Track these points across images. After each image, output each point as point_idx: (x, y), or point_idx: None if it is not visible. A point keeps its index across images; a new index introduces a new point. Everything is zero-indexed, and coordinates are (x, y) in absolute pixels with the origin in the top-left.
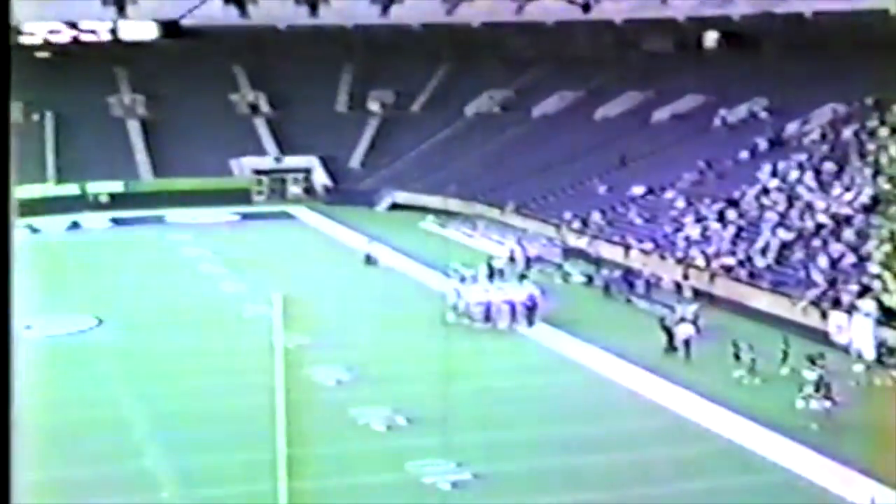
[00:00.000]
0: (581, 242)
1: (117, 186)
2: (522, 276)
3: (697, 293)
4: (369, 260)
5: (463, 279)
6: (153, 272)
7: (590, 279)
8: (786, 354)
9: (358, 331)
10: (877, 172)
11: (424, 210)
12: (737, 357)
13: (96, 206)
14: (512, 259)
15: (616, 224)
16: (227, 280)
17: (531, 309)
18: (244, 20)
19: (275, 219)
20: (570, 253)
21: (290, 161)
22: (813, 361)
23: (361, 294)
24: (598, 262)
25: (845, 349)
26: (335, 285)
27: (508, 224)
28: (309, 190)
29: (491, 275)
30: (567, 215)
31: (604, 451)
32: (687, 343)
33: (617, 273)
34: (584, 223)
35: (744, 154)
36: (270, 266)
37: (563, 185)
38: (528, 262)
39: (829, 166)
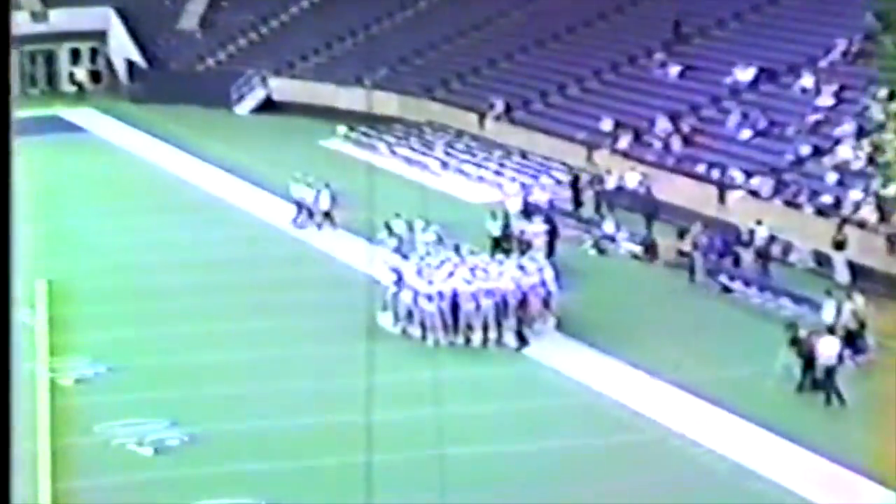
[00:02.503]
0: (632, 178)
1: None
2: (523, 248)
3: (859, 275)
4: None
5: (401, 249)
6: None
7: (649, 249)
8: None
9: (199, 351)
10: None
11: (329, 114)
12: None
13: None
14: (504, 213)
15: (700, 142)
16: None
17: (522, 306)
18: None
19: (38, 132)
20: (610, 199)
21: (63, 18)
22: None
23: (209, 279)
24: (663, 214)
25: None
26: (155, 263)
27: (494, 142)
28: (100, 75)
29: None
30: (605, 125)
31: None
32: (830, 373)
33: (703, 237)
34: (638, 139)
35: None
36: (27, 228)
37: (598, 65)
38: (528, 213)
39: None
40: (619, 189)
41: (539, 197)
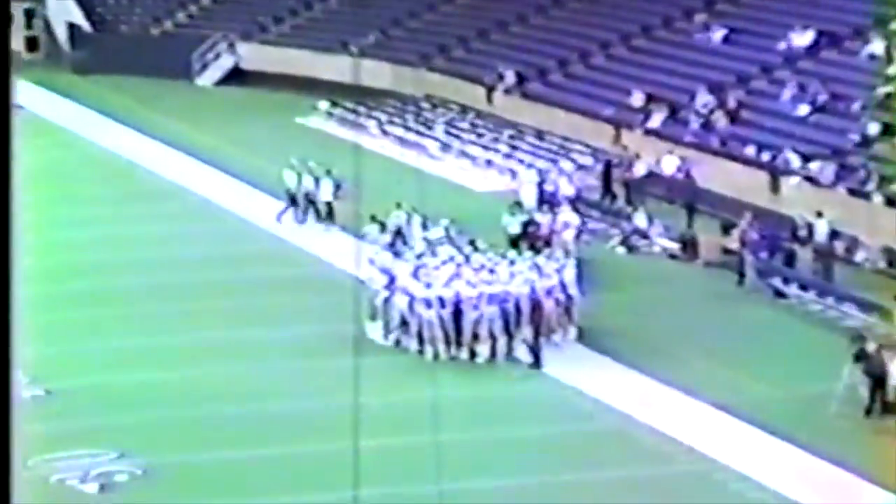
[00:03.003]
0: (669, 163)
1: None
2: (539, 245)
3: None
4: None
5: (396, 244)
6: None
7: (688, 246)
8: None
9: (153, 368)
10: None
11: (309, 87)
12: None
13: None
14: (518, 204)
15: (749, 119)
16: None
17: (537, 313)
18: None
19: None
20: (641, 187)
21: None
22: None
23: (168, 282)
24: (704, 205)
25: None
26: (103, 264)
27: (504, 120)
28: (37, 42)
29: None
30: (636, 99)
31: None
32: None
33: (753, 232)
34: (674, 115)
35: None
36: None
37: (626, 28)
38: (551, 205)
39: None
40: (652, 175)
41: (562, 185)
